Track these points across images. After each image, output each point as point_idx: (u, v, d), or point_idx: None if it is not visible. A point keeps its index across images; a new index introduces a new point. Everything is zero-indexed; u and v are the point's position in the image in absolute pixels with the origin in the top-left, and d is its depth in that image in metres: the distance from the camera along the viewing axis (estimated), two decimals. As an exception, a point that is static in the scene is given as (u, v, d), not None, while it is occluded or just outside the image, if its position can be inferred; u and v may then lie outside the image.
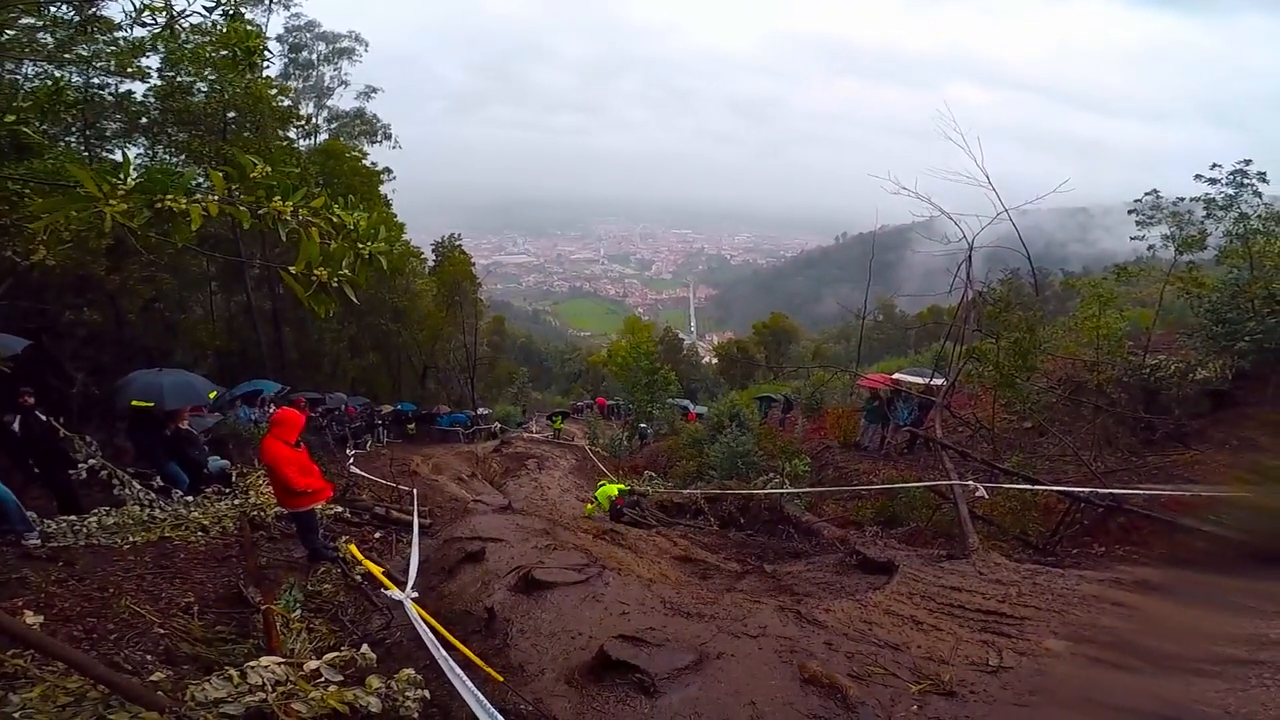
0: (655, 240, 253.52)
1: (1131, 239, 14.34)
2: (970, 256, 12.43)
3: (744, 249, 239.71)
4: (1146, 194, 14.82)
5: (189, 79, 16.78)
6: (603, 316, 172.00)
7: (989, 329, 9.80)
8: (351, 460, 13.09)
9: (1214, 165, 13.74)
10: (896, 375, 16.64)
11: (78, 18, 7.23)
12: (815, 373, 24.51)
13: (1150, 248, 13.91)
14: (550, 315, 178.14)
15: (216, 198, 2.34)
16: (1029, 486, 8.61)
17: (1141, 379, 12.65)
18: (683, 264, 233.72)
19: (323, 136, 29.76)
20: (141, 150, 17.83)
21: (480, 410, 33.96)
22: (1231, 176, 13.59)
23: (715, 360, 65.63)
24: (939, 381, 13.46)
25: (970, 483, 8.11)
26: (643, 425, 28.09)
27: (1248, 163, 13.49)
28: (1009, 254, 15.89)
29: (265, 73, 20.41)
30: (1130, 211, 14.81)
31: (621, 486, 12.39)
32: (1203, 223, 13.20)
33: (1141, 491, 8.73)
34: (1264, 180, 13.29)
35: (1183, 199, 14.15)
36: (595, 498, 11.95)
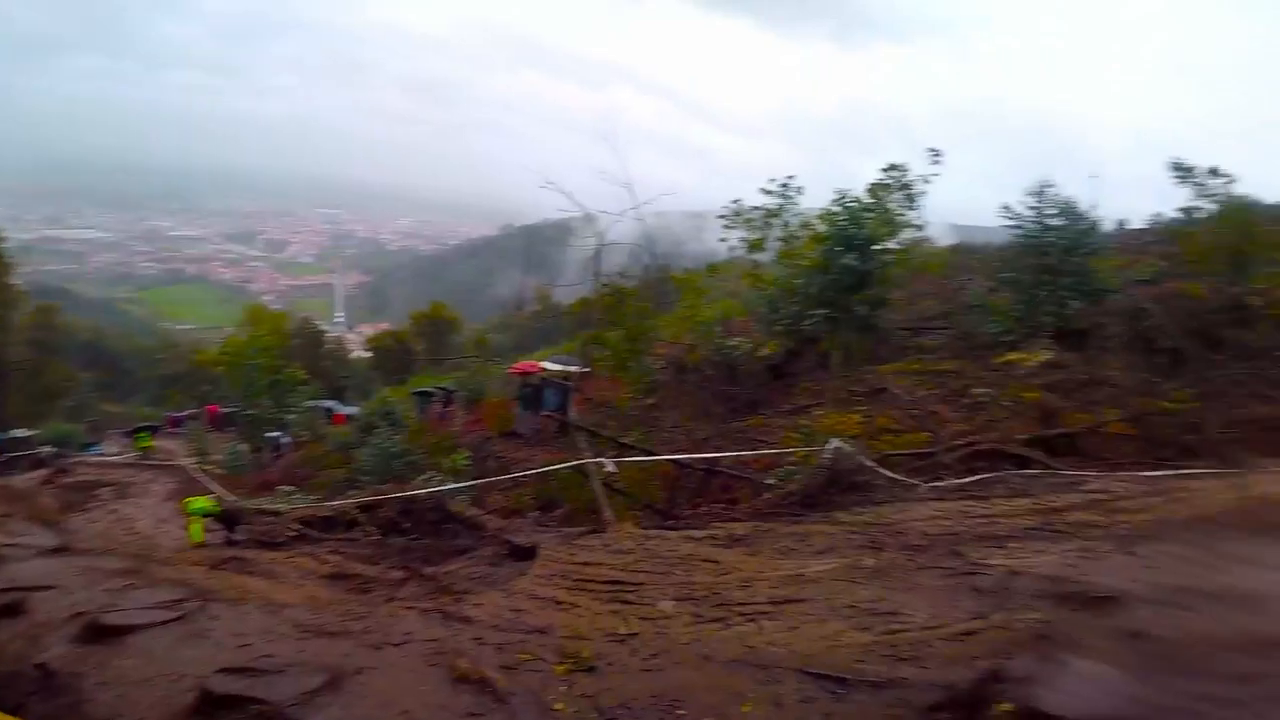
0: (294, 220, 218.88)
1: (720, 241, 17.36)
2: (599, 253, 13.45)
3: (405, 234, 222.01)
4: (731, 202, 17.94)
5: None
6: (214, 305, 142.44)
7: (609, 319, 10.72)
8: None
9: (771, 180, 17.27)
10: (543, 363, 17.30)
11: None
12: (476, 364, 24.14)
13: (731, 249, 17.04)
14: (133, 304, 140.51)
15: None
16: (646, 458, 9.36)
17: (725, 357, 15.34)
18: (328, 247, 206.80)
19: None
20: None
21: (16, 433, 25.29)
22: (782, 189, 17.17)
23: (369, 353, 60.55)
24: (575, 368, 14.22)
25: (601, 460, 8.63)
26: (274, 434, 24.28)
27: (791, 177, 17.24)
28: (633, 252, 18.00)
29: None
30: (720, 217, 17.81)
31: (206, 503, 10.63)
32: (764, 228, 16.56)
33: (729, 455, 10.51)
34: (800, 193, 17.04)
35: (757, 207, 17.43)
36: (188, 521, 10.25)
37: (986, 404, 10.15)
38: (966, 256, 24.84)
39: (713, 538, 6.01)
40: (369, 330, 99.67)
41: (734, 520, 6.70)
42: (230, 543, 9.60)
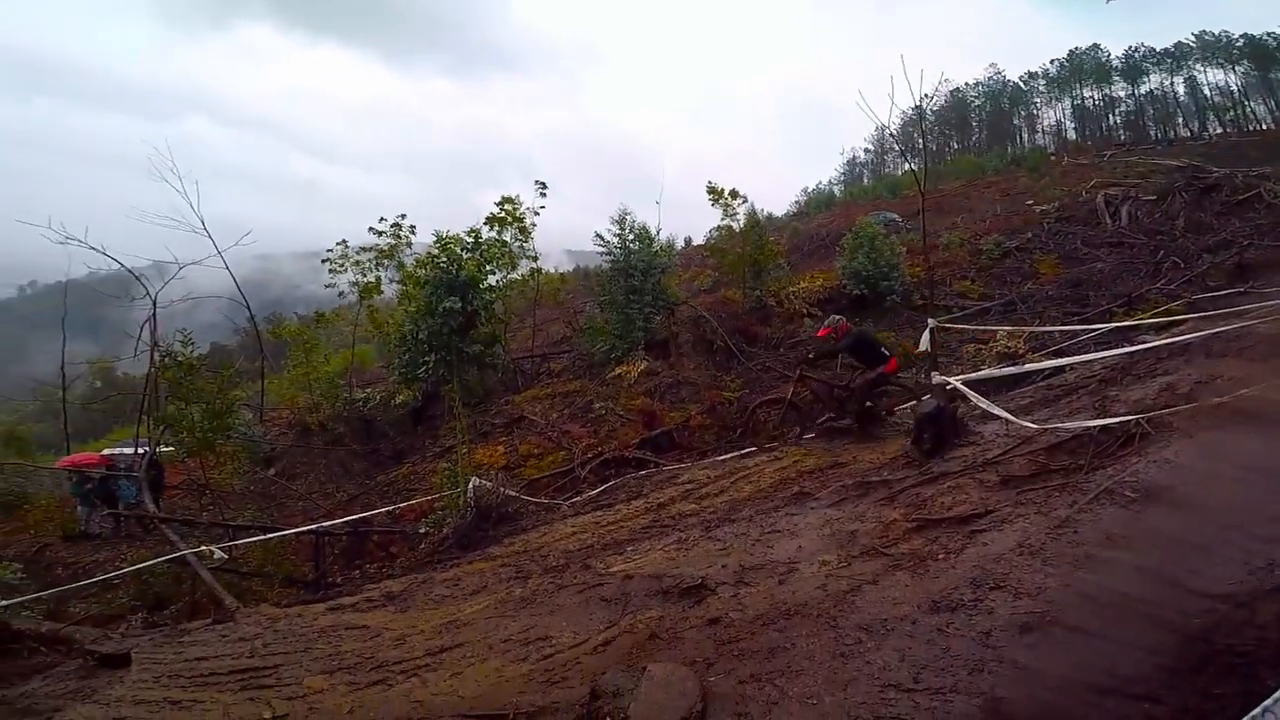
0: None
1: (326, 287, 15.78)
2: (154, 314, 10.93)
3: None
4: (338, 243, 16.45)
5: None
6: None
7: (178, 394, 8.84)
8: None
9: (381, 219, 16.42)
10: (106, 451, 13.88)
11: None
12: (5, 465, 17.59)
13: (341, 294, 15.70)
14: None
15: None
16: (265, 535, 8.38)
17: (357, 411, 14.13)
18: None
19: None
20: None
21: None
22: (394, 228, 16.48)
23: None
24: (144, 451, 11.54)
25: (204, 548, 7.55)
26: None
27: (403, 216, 16.63)
28: (233, 304, 15.30)
29: None
30: (324, 260, 16.19)
31: None
32: (376, 269, 15.67)
33: (376, 512, 9.88)
34: (414, 231, 16.60)
35: (365, 249, 16.34)
36: None
37: (606, 416, 11.34)
38: (583, 281, 27.79)
39: (368, 600, 5.72)
40: None
41: (390, 577, 6.41)
42: None
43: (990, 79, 70.39)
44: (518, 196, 16.20)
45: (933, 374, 6.21)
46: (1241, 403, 3.80)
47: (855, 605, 2.98)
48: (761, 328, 13.93)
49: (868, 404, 7.27)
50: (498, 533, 7.19)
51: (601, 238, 15.13)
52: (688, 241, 40.66)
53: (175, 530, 8.95)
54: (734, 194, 16.05)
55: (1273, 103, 56.40)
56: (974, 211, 27.79)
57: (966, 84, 70.73)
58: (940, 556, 3.25)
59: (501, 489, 8.42)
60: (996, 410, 5.13)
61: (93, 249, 11.25)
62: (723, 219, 16.43)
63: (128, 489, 12.23)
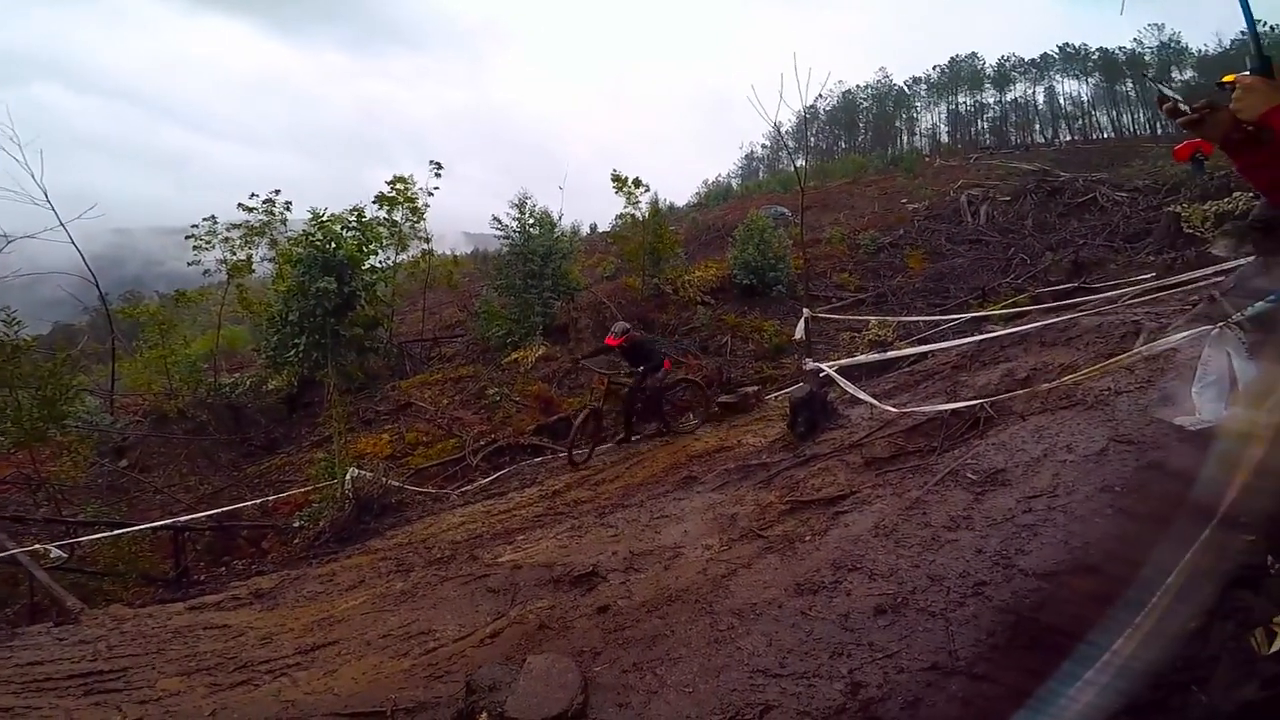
0: None
1: (190, 264, 14.39)
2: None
3: None
4: (204, 219, 15.03)
5: None
6: None
7: (1, 379, 7.82)
8: None
9: (253, 194, 15.15)
10: None
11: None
12: None
13: (205, 272, 14.36)
14: None
15: None
16: (113, 532, 7.72)
17: (224, 398, 13.03)
18: None
19: None
20: None
21: None
22: (266, 204, 15.26)
23: None
24: None
25: (38, 546, 6.92)
26: None
27: (277, 192, 15.45)
28: (82, 281, 13.56)
29: None
30: (188, 237, 14.74)
31: None
32: (246, 247, 14.45)
33: (243, 505, 9.24)
34: (289, 209, 15.48)
35: (236, 225, 15.04)
36: None
37: (500, 402, 11.15)
38: (481, 265, 26.94)
39: (234, 599, 5.40)
40: None
41: (260, 574, 6.15)
42: None
43: (879, 82, 74.71)
44: (411, 176, 15.68)
45: (806, 360, 6.59)
46: (1066, 388, 4.26)
47: (730, 590, 3.07)
48: (658, 314, 14.20)
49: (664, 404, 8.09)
50: (379, 525, 7.01)
51: (500, 221, 14.79)
52: (593, 228, 40.44)
53: (3, 527, 8.04)
54: (637, 183, 16.21)
55: (1114, 112, 63.82)
56: (855, 209, 29.51)
57: (858, 86, 74.69)
58: (807, 539, 3.42)
59: (383, 479, 8.11)
60: (862, 395, 5.46)
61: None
62: (626, 207, 16.61)
63: (-57, 487, 10.68)
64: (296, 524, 7.70)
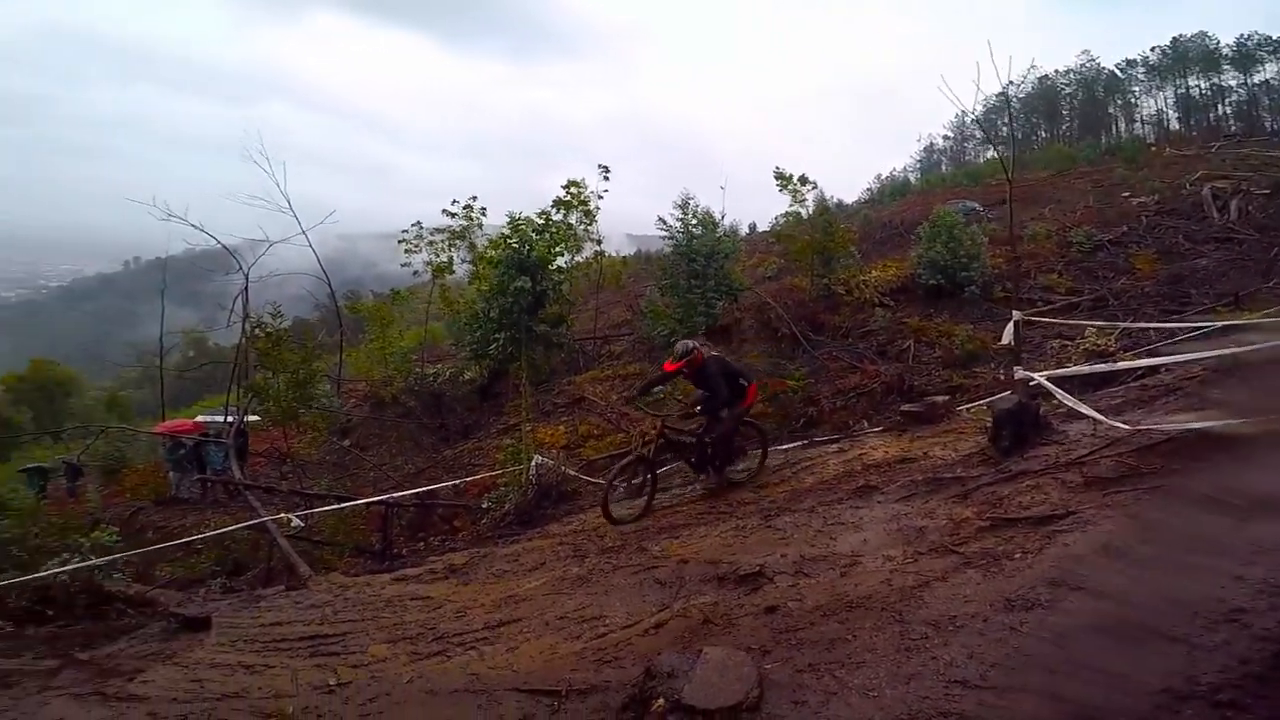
0: None
1: (402, 265, 16.44)
2: (247, 288, 11.67)
3: None
4: (412, 224, 17.08)
5: None
6: None
7: (266, 363, 9.36)
8: None
9: (454, 200, 16.90)
10: (199, 418, 14.81)
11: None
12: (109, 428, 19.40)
13: (415, 273, 16.29)
14: None
15: None
16: (339, 505, 8.77)
17: (427, 386, 14.67)
18: None
19: None
20: None
21: None
22: (465, 210, 16.92)
23: (-61, 433, 43.81)
24: (233, 419, 12.27)
25: (282, 515, 7.92)
26: None
27: (474, 199, 17.07)
28: (318, 281, 16.14)
29: None
30: (400, 241, 16.83)
31: None
32: (449, 250, 16.16)
33: (441, 485, 10.20)
34: (484, 214, 17.01)
35: (438, 230, 16.88)
36: None
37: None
38: (644, 265, 27.72)
39: (431, 572, 5.85)
40: (-68, 406, 71.93)
41: (453, 551, 6.57)
42: None
43: (1083, 66, 65.53)
44: (582, 180, 16.37)
45: (1015, 369, 5.88)
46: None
47: (923, 601, 2.91)
48: (829, 316, 13.57)
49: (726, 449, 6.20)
50: (556, 511, 7.31)
51: (664, 222, 15.08)
52: (752, 227, 39.89)
53: (257, 497, 9.46)
54: (803, 180, 15.68)
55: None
56: (1063, 202, 26.14)
57: (1056, 71, 66.13)
58: (1016, 556, 3.13)
59: (563, 468, 8.57)
60: (1084, 409, 4.82)
61: (193, 226, 12.13)
62: (791, 205, 16.13)
63: (215, 455, 13.07)
64: (485, 505, 8.14)
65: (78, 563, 8.53)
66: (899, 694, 2.29)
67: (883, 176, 64.79)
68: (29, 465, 21.27)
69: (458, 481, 10.15)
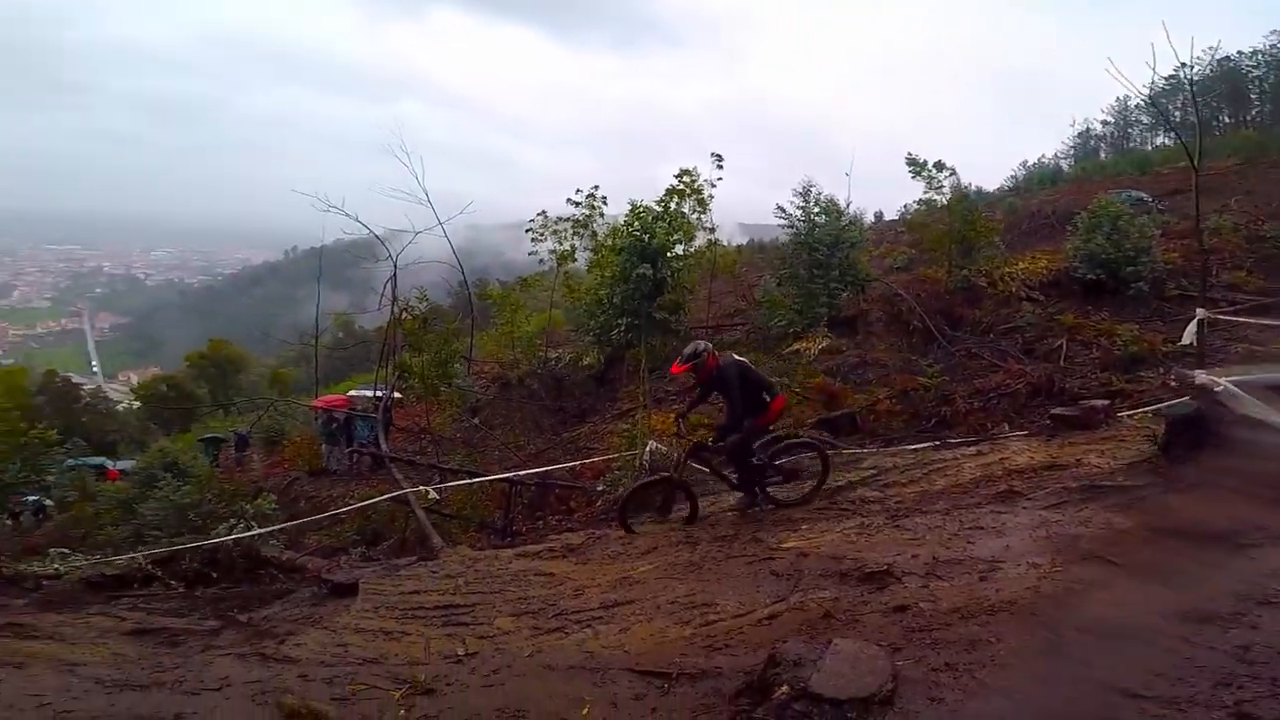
0: (15, 260, 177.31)
1: (529, 254, 17.18)
2: (395, 274, 12.72)
3: (165, 267, 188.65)
4: (538, 214, 17.78)
5: None
6: None
7: (413, 343, 10.16)
8: None
9: (578, 190, 17.37)
10: (350, 393, 16.28)
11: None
12: (272, 402, 21.89)
13: (541, 260, 16.98)
14: None
15: None
16: (470, 480, 9.26)
17: (550, 370, 15.29)
18: (68, 288, 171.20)
19: None
20: None
21: None
22: (588, 199, 17.36)
23: (138, 403, 51.82)
24: (381, 395, 13.39)
25: (421, 488, 8.46)
26: (32, 498, 20.28)
27: (596, 188, 17.47)
28: (449, 268, 17.33)
29: None
30: (526, 230, 17.61)
31: None
32: (572, 238, 16.67)
33: (559, 467, 10.62)
34: (605, 202, 17.36)
35: (562, 219, 17.46)
36: None
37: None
38: (757, 254, 27.15)
39: (550, 550, 6.09)
40: (135, 377, 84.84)
41: (570, 530, 6.81)
42: None
43: (1273, 47, 55.86)
44: (694, 168, 16.23)
45: (1195, 373, 5.21)
46: None
47: (1076, 608, 2.75)
48: (968, 310, 12.63)
49: (757, 465, 5.77)
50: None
51: (783, 210, 14.71)
52: (878, 216, 37.93)
53: (399, 470, 10.09)
54: (939, 166, 14.69)
55: None
56: (1253, 194, 22.75)
57: (1240, 53, 56.85)
58: (1191, 568, 2.91)
59: (676, 454, 8.63)
60: (1277, 418, 4.21)
61: (348, 215, 13.36)
62: (925, 192, 15.18)
63: (363, 429, 14.33)
64: (600, 488, 8.36)
65: (242, 530, 9.71)
66: (1047, 697, 2.20)
67: (1029, 163, 59.10)
68: (206, 435, 24.48)
69: (574, 463, 10.40)
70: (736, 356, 6.07)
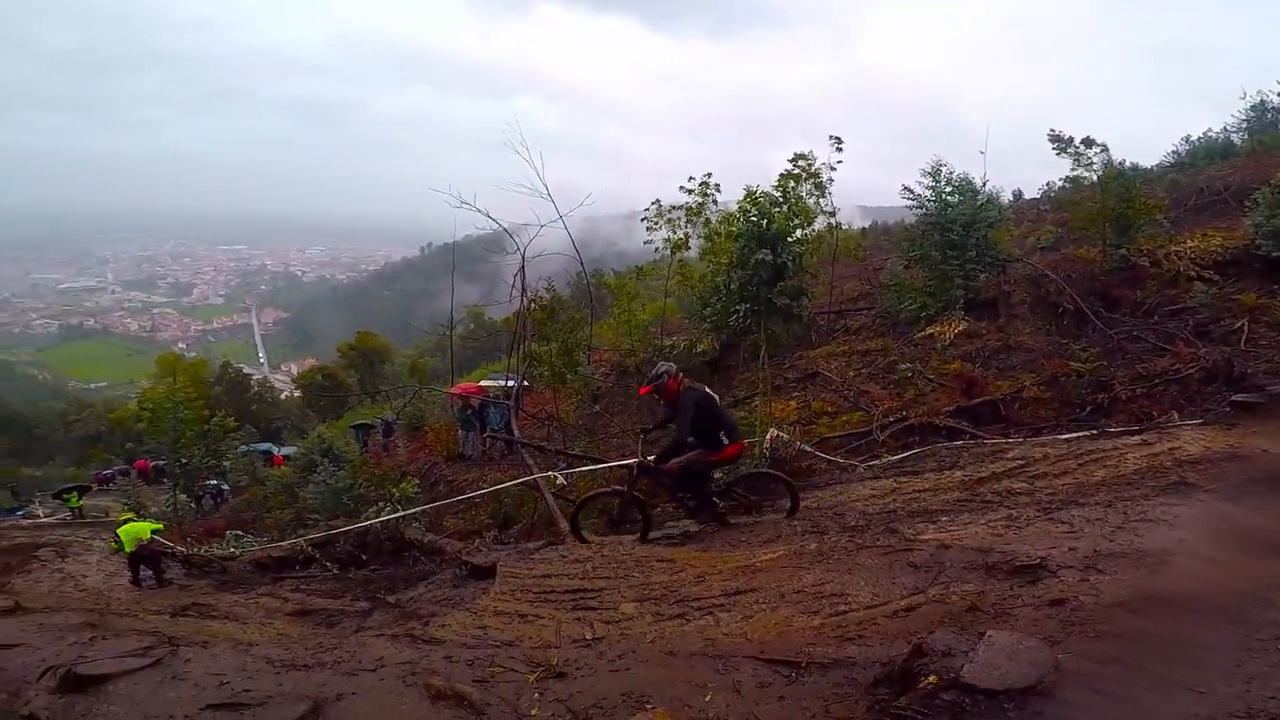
0: (194, 260, 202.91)
1: (645, 243, 17.43)
2: (524, 267, 13.38)
3: (318, 264, 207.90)
4: (651, 203, 17.99)
5: None
6: (122, 360, 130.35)
7: (541, 333, 10.68)
8: None
9: (691, 177, 17.39)
10: (483, 382, 17.05)
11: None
12: (413, 390, 23.65)
13: (655, 249, 17.16)
14: (34, 367, 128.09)
15: None
16: (593, 466, 9.53)
17: (664, 357, 15.46)
18: (239, 285, 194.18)
19: None
20: None
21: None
22: (701, 187, 17.35)
23: (298, 392, 58.02)
24: (515, 384, 14.12)
25: (550, 473, 8.80)
26: (212, 481, 23.30)
27: (709, 175, 17.38)
28: (568, 259, 18.01)
29: None
30: (642, 220, 17.86)
31: (155, 525, 10.38)
32: (686, 226, 16.73)
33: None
34: (718, 189, 17.27)
35: (676, 207, 17.56)
36: (119, 537, 9.83)
37: (913, 379, 10.58)
38: (880, 237, 25.82)
39: (668, 537, 6.28)
40: (295, 368, 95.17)
41: (687, 518, 6.88)
42: (160, 582, 9.52)
43: None
44: (810, 152, 15.82)
45: None
46: None
47: (1271, 603, 2.54)
48: (1127, 291, 11.40)
49: (711, 495, 6.08)
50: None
51: (910, 191, 13.95)
52: (1017, 194, 34.87)
53: (530, 455, 10.54)
54: (1089, 142, 13.41)
55: None
56: None
57: None
58: None
59: (797, 443, 8.52)
60: None
61: (478, 210, 14.11)
62: (1072, 170, 13.94)
63: (495, 415, 15.14)
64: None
65: (389, 513, 10.41)
66: (1236, 692, 2.06)
67: (1193, 138, 51.78)
68: (357, 422, 26.80)
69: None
70: (707, 390, 6.27)
